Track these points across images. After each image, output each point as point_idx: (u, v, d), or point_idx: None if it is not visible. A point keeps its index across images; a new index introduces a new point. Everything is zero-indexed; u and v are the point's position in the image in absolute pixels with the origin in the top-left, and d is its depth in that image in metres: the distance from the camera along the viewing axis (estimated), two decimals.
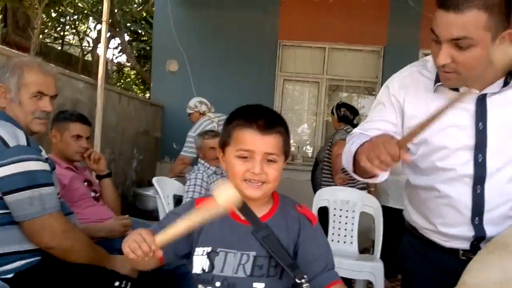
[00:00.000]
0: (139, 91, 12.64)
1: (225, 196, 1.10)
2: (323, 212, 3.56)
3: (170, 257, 1.28)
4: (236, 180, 1.26)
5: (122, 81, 12.90)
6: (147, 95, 9.86)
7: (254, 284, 1.24)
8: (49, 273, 1.73)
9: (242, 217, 1.29)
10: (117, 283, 1.77)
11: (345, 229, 3.55)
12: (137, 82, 13.15)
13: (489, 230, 1.39)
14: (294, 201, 1.42)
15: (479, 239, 1.40)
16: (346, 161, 1.45)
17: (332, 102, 5.86)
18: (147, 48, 10.83)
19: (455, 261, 1.43)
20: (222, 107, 5.43)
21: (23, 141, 1.70)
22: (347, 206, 3.56)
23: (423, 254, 1.50)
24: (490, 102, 1.36)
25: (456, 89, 1.37)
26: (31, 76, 1.82)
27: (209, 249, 1.26)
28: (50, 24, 10.14)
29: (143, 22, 10.63)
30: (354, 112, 4.36)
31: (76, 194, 2.39)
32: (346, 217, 3.56)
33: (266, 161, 1.25)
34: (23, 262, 1.70)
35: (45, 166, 1.74)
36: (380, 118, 1.50)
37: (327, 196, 3.61)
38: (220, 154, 1.34)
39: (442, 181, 1.42)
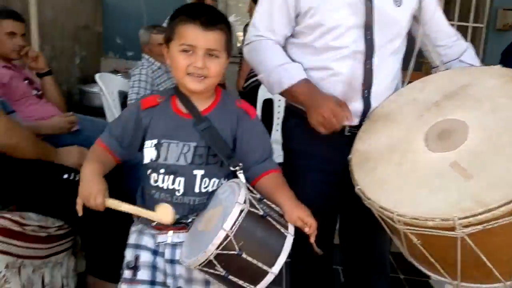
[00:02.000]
0: None
1: (164, 214, 1.33)
2: (268, 104, 3.70)
3: (121, 153, 1.44)
4: (179, 74, 1.35)
5: None
6: None
7: (194, 171, 1.38)
8: (2, 170, 1.79)
9: (185, 111, 1.40)
10: (65, 176, 1.86)
11: None
12: None
13: (374, 103, 1.57)
14: (235, 97, 1.55)
15: (365, 113, 1.57)
16: (270, 86, 1.61)
17: None
18: None
19: (340, 137, 1.56)
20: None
21: None
22: None
23: (310, 133, 1.53)
24: None
25: None
26: None
27: (155, 141, 1.38)
28: None
29: None
30: None
31: (17, 93, 2.37)
32: None
33: (208, 56, 1.33)
34: None
35: None
36: (276, 14, 1.58)
37: None
38: (165, 50, 1.40)
39: (336, 59, 1.53)
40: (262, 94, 3.72)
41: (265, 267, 1.20)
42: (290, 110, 1.73)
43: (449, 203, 1.12)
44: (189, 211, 1.38)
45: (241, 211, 1.19)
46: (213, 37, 1.33)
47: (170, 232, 1.39)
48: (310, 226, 1.29)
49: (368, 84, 1.54)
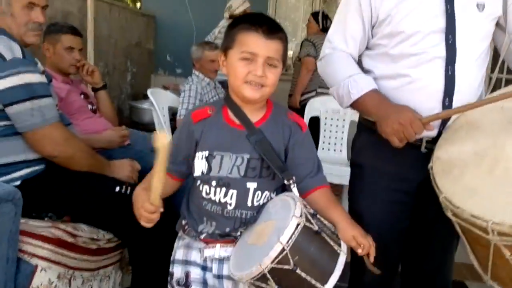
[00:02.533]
0: (130, 2, 12.23)
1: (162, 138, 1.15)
2: (315, 122, 3.67)
3: (177, 170, 1.41)
4: (237, 82, 1.33)
5: None
6: (139, 5, 9.56)
7: (248, 184, 1.35)
8: (53, 180, 1.84)
9: (238, 122, 1.38)
10: (117, 189, 1.87)
11: (335, 138, 3.69)
12: None
13: None
14: (286, 108, 1.52)
15: (445, 124, 1.47)
16: (340, 98, 1.56)
17: (331, 14, 5.74)
18: None
19: (416, 154, 1.48)
20: (215, 16, 5.35)
21: (18, 53, 1.72)
22: (338, 115, 3.66)
23: (383, 150, 1.49)
24: None
25: None
26: None
27: (206, 153, 1.36)
28: None
29: None
30: None
31: (74, 106, 2.44)
32: (337, 126, 3.68)
33: (267, 65, 1.32)
34: (29, 170, 1.80)
35: (42, 78, 1.78)
36: (352, 27, 1.56)
37: (318, 105, 3.70)
38: (222, 58, 1.39)
39: (413, 66, 1.46)
40: (309, 111, 3.69)
41: (318, 285, 1.17)
42: (362, 125, 1.67)
43: None
44: (240, 225, 1.36)
45: (298, 224, 1.17)
46: (273, 46, 1.32)
47: (218, 246, 1.37)
48: (363, 248, 1.26)
49: (449, 91, 1.44)
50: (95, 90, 2.71)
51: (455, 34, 1.43)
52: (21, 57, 1.73)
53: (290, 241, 1.15)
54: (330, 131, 3.69)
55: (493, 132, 1.30)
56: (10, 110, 1.69)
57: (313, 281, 1.16)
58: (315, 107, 3.70)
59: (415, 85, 1.46)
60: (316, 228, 1.21)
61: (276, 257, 1.14)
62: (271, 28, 1.32)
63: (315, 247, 1.20)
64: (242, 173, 1.35)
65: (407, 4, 1.45)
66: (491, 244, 1.10)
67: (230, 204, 1.35)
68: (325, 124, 3.70)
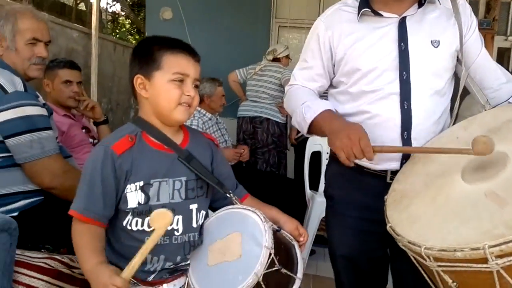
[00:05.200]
0: (134, 41, 12.50)
1: (163, 219, 1.19)
2: (316, 157, 3.67)
3: (107, 215, 1.30)
4: (171, 104, 1.31)
5: (117, 30, 12.74)
6: None
7: (190, 206, 1.36)
8: (51, 212, 1.84)
9: (165, 146, 1.36)
10: None
11: None
12: (132, 31, 12.99)
13: (415, 146, 1.49)
14: (196, 129, 1.57)
15: (406, 157, 1.50)
16: (300, 126, 1.57)
17: None
18: None
19: (383, 185, 1.48)
20: (217, 55, 5.45)
21: (20, 87, 1.76)
22: None
23: (350, 180, 1.55)
24: (409, 24, 1.50)
25: (379, 14, 1.50)
26: (25, 23, 1.87)
27: (141, 183, 1.29)
28: None
29: None
30: None
31: (75, 140, 2.48)
32: None
33: (193, 86, 1.35)
34: (26, 201, 1.81)
35: (42, 111, 1.81)
36: (313, 65, 1.63)
37: (320, 141, 3.71)
38: (139, 81, 1.33)
39: (371, 102, 1.50)
40: (310, 146, 3.71)
41: (292, 275, 1.25)
42: (332, 157, 1.71)
43: (480, 231, 1.01)
44: (189, 250, 1.35)
45: (269, 227, 1.25)
46: (198, 68, 1.36)
47: (164, 286, 1.34)
48: (304, 236, 1.40)
49: (407, 125, 1.48)
50: (97, 124, 2.74)
51: (409, 71, 1.47)
52: (23, 90, 1.77)
53: (272, 243, 1.21)
54: None
55: (444, 162, 1.33)
56: (10, 141, 1.72)
57: (290, 273, 1.25)
58: (316, 141, 3.72)
59: (375, 120, 1.50)
60: (276, 227, 1.33)
61: (267, 262, 1.18)
62: (193, 50, 1.36)
63: (283, 243, 1.32)
64: (183, 196, 1.34)
65: (362, 43, 1.50)
66: (433, 270, 1.10)
67: (178, 230, 1.33)
68: (327, 159, 3.69)
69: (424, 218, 1.19)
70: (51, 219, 1.82)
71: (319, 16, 1.67)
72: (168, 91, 1.31)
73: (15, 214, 1.76)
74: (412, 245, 1.12)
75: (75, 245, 1.27)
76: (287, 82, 4.39)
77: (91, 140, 2.64)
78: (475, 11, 5.37)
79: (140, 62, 1.34)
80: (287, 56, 4.62)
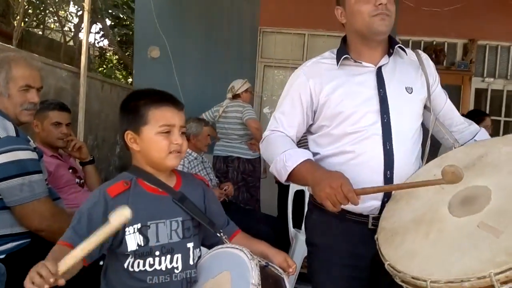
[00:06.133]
0: (121, 77, 12.60)
1: (121, 214, 1.13)
2: (300, 195, 3.73)
3: (92, 256, 1.30)
4: (162, 154, 1.42)
5: (104, 66, 12.84)
6: (130, 80, 9.85)
7: (188, 244, 1.45)
8: (38, 254, 1.85)
9: (160, 189, 1.45)
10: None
11: None
12: (119, 67, 13.09)
13: None
14: (187, 172, 1.65)
15: (388, 196, 1.54)
16: (279, 173, 1.60)
17: None
18: (130, 33, 10.82)
19: (365, 231, 1.55)
20: (204, 94, 5.54)
21: (12, 132, 1.82)
22: None
23: (332, 228, 1.60)
24: (384, 72, 1.62)
25: (359, 62, 1.62)
26: (19, 71, 1.94)
27: (138, 225, 1.37)
28: (31, 10, 10.03)
29: (125, 7, 10.58)
30: None
31: (62, 180, 2.51)
32: None
33: (180, 133, 1.45)
34: (14, 244, 1.83)
35: (33, 155, 1.86)
36: (292, 112, 1.68)
37: None
38: (129, 137, 1.44)
39: (355, 143, 1.57)
40: (294, 185, 3.76)
41: None
42: (312, 204, 1.72)
43: (483, 260, 1.07)
44: (187, 286, 1.42)
45: (256, 264, 1.30)
46: (182, 116, 1.47)
47: None
48: (292, 266, 1.47)
49: (389, 165, 1.54)
50: (83, 164, 2.78)
51: (389, 114, 1.57)
52: (14, 135, 1.82)
53: (259, 280, 1.25)
54: None
55: (428, 199, 1.40)
56: (1, 185, 1.76)
57: None
58: None
59: (358, 160, 1.56)
60: (264, 263, 1.40)
61: None
62: (176, 100, 1.46)
63: (271, 276, 1.38)
64: (180, 236, 1.43)
65: (343, 89, 1.59)
66: None
67: (177, 268, 1.41)
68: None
69: (422, 253, 1.23)
70: (39, 261, 1.83)
71: (302, 57, 1.77)
72: (157, 143, 1.41)
73: (2, 256, 1.79)
74: (417, 280, 1.16)
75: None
76: (249, 122, 4.47)
77: (77, 180, 2.67)
78: (453, 53, 5.59)
79: (128, 119, 1.45)
80: (247, 90, 4.63)
